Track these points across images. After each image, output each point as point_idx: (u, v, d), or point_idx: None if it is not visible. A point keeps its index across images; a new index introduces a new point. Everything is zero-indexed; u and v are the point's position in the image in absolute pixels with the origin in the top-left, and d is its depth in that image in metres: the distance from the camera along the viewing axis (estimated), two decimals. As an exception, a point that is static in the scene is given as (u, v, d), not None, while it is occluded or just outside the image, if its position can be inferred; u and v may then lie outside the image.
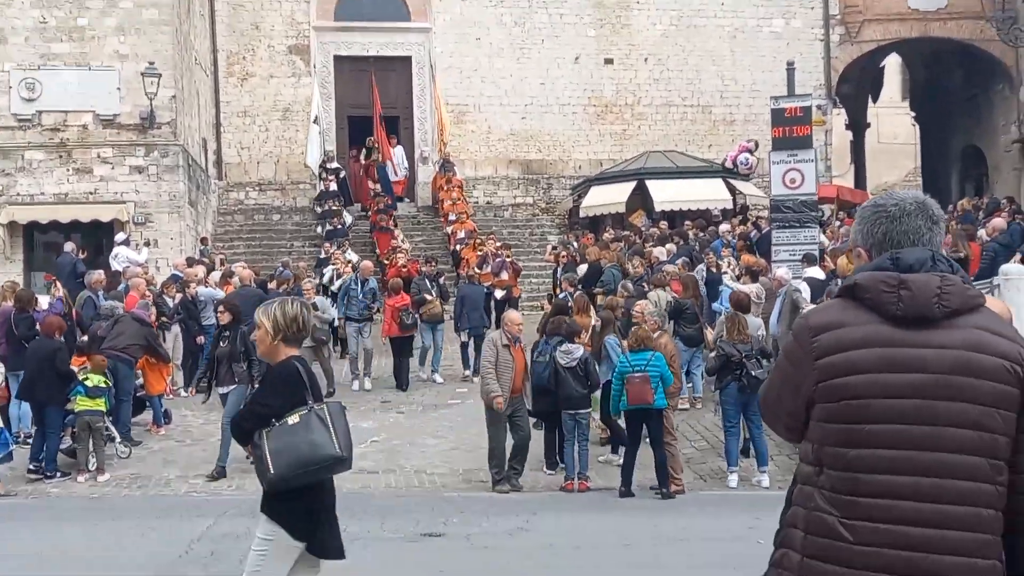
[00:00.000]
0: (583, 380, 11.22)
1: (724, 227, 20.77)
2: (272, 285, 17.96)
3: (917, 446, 2.84)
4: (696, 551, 8.61)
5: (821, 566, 2.86)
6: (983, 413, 2.83)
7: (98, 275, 16.83)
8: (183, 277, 17.29)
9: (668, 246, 18.66)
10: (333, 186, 27.99)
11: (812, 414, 2.97)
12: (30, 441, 12.55)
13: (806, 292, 12.90)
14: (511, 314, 12.19)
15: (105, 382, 12.20)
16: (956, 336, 2.87)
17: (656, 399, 10.64)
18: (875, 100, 40.18)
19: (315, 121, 28.23)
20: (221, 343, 12.38)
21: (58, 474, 11.88)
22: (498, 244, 21.49)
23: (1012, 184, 32.52)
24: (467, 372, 17.43)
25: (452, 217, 26.46)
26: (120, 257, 19.38)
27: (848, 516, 2.85)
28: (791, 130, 15.10)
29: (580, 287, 18.94)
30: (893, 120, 45.21)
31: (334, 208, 26.25)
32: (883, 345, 2.88)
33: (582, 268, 19.43)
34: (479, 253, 21.07)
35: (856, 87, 37.26)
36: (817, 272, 14.34)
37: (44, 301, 14.80)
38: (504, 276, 20.01)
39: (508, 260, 20.43)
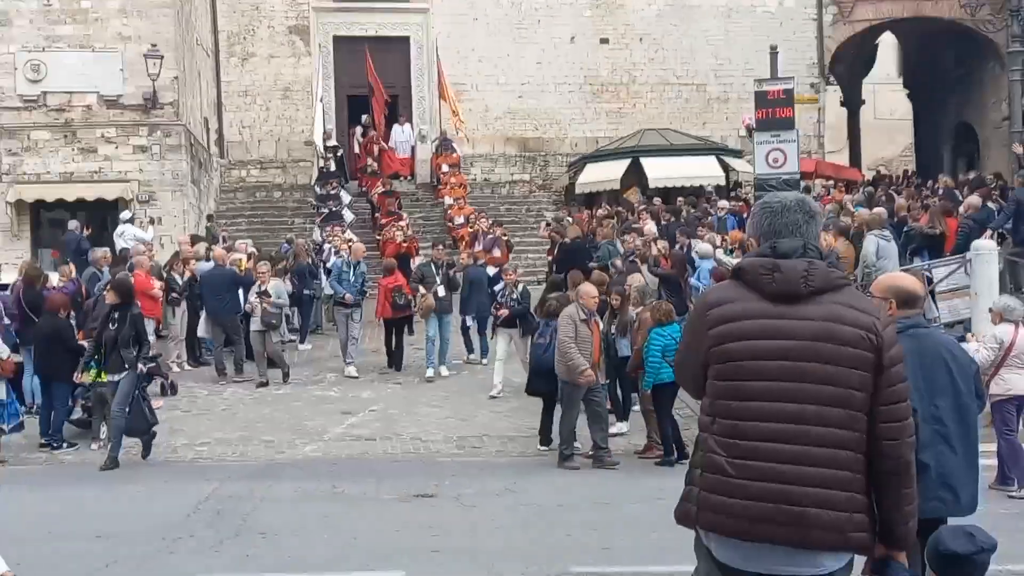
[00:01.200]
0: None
1: (723, 203, 21.25)
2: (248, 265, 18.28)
3: (783, 398, 3.48)
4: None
5: (714, 497, 3.52)
6: (840, 372, 3.46)
7: (102, 252, 17.40)
8: (182, 255, 17.82)
9: (648, 227, 19.16)
10: (332, 165, 28.53)
11: (708, 373, 3.63)
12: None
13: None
14: (587, 287, 11.82)
15: (115, 354, 12.73)
16: (819, 310, 3.54)
17: None
18: (866, 76, 40.51)
19: (320, 100, 28.75)
20: (110, 325, 11.65)
21: (64, 445, 12.44)
22: (490, 222, 21.90)
23: (1002, 160, 32.96)
24: (471, 356, 17.30)
25: (449, 201, 26.81)
26: (127, 235, 19.92)
27: (732, 455, 3.51)
28: (774, 112, 15.64)
29: (556, 265, 19.69)
30: (889, 97, 45.54)
31: (331, 192, 26.56)
32: (760, 317, 3.56)
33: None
34: (470, 230, 21.33)
35: (850, 66, 37.64)
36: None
37: (54, 278, 15.34)
38: (497, 253, 20.25)
39: (502, 237, 20.68)
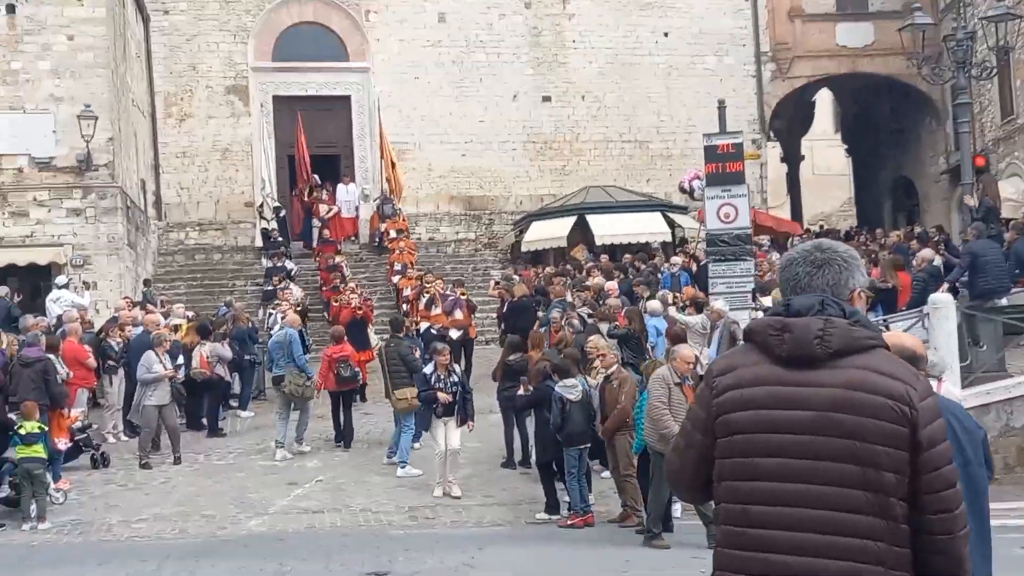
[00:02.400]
0: (588, 413, 11.30)
1: (676, 259, 21.04)
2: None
3: (798, 479, 2.97)
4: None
5: None
6: (866, 449, 2.94)
7: (33, 320, 16.64)
8: (120, 320, 17.15)
9: (610, 283, 18.87)
10: (275, 224, 28.10)
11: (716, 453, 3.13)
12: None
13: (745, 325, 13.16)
14: (684, 351, 10.98)
15: (40, 427, 12.07)
16: (838, 376, 3.00)
17: None
18: (804, 133, 40.98)
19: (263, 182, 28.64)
20: None
21: (-7, 525, 11.71)
22: (448, 284, 21.04)
23: (942, 213, 33.37)
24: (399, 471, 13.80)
25: (398, 267, 26.20)
26: (62, 300, 19.17)
27: (739, 547, 3.02)
28: (724, 166, 15.43)
29: (503, 323, 19.29)
30: (827, 152, 46.23)
31: (278, 264, 25.85)
32: (771, 384, 3.06)
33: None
34: (426, 295, 20.28)
35: (789, 121, 38.05)
36: (770, 301, 14.68)
37: (-20, 347, 14.62)
38: (458, 315, 19.36)
39: (462, 297, 19.96)
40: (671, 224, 29.19)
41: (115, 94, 23.79)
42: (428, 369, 12.45)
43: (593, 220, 28.58)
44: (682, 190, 30.13)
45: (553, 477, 11.65)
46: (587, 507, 11.28)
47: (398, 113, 31.12)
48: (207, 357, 16.71)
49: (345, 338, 15.99)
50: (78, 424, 14.60)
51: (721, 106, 16.98)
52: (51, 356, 14.02)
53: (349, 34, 31.47)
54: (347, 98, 31.65)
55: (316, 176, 29.50)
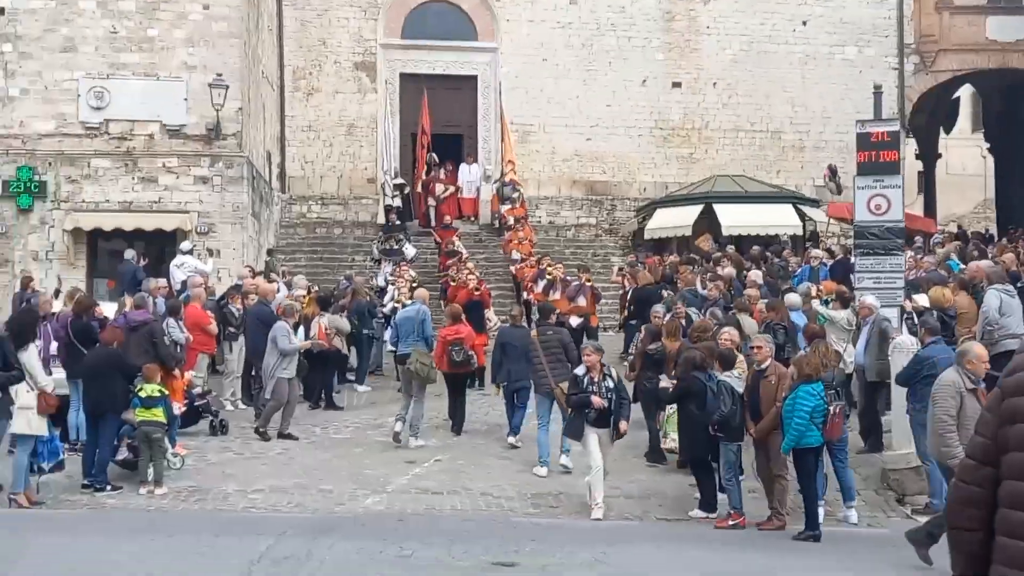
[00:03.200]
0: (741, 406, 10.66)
1: (816, 252, 20.14)
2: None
3: None
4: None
5: None
6: None
7: (156, 282, 16.63)
8: (243, 287, 17.00)
9: (754, 273, 18.09)
10: (398, 202, 27.81)
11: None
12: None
13: (896, 322, 12.27)
14: (976, 348, 9.43)
15: (160, 391, 11.87)
16: None
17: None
18: (948, 132, 39.19)
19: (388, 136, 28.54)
20: None
21: (108, 487, 11.49)
22: (565, 270, 20.14)
23: (1092, 220, 31.53)
24: (510, 439, 13.65)
25: (515, 256, 25.48)
26: (186, 266, 19.16)
27: None
28: (877, 155, 14.44)
29: (628, 312, 18.51)
30: (962, 152, 44.16)
31: (394, 247, 25.32)
32: None
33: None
34: (547, 279, 19.50)
35: (929, 117, 36.33)
36: (925, 300, 13.75)
37: (108, 309, 14.56)
38: (581, 302, 18.42)
39: (587, 284, 18.84)
40: (802, 217, 28.09)
41: (246, 65, 23.79)
42: (580, 370, 11.20)
43: (720, 210, 27.63)
44: (828, 176, 28.81)
45: (713, 473, 10.91)
46: (737, 508, 10.60)
47: (524, 94, 30.63)
48: (325, 329, 16.36)
49: (463, 318, 15.14)
50: (198, 389, 14.46)
51: (877, 91, 15.97)
52: (165, 319, 13.93)
53: (478, 13, 31.06)
54: (473, 78, 31.28)
55: (434, 154, 29.18)
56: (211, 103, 22.42)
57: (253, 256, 23.80)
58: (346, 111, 30.49)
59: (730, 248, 24.68)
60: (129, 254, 20.29)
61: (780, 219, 27.74)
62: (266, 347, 14.14)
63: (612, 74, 31.34)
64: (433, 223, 28.57)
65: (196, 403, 14.05)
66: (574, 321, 17.61)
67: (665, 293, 18.56)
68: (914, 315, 13.43)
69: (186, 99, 22.81)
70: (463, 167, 30.00)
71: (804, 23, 32.07)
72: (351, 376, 18.67)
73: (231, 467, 12.54)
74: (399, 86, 30.82)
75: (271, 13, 28.69)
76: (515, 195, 28.45)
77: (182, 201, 22.77)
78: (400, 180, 28.38)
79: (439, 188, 28.70)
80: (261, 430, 13.91)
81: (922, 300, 14.05)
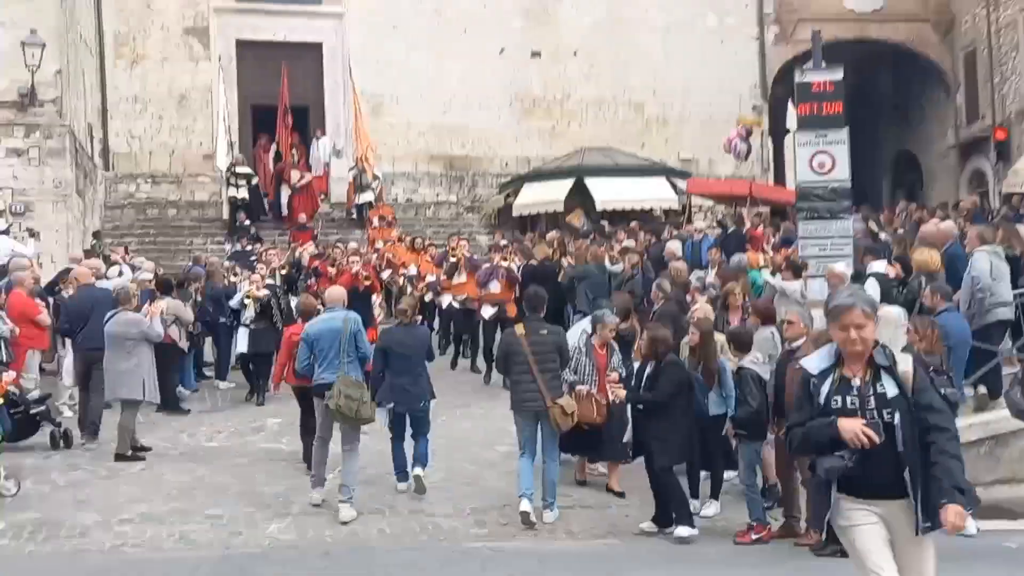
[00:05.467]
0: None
1: (697, 224, 18.64)
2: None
3: None
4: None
5: None
6: None
7: (-25, 267, 13.68)
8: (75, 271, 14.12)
9: (672, 244, 16.38)
10: (244, 193, 24.71)
11: None
12: None
13: (873, 290, 10.66)
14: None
15: (-5, 397, 9.17)
16: None
17: None
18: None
19: (224, 120, 25.21)
20: None
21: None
22: (470, 249, 17.16)
23: (948, 189, 31.40)
24: (400, 484, 10.08)
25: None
26: (1, 248, 16.06)
27: None
28: (819, 107, 13.00)
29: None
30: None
31: (246, 249, 21.45)
32: None
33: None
34: (451, 259, 16.20)
35: (785, 90, 35.72)
36: (881, 267, 12.22)
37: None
38: (495, 288, 15.06)
39: (502, 265, 15.27)
40: (676, 190, 26.74)
41: (63, 23, 20.60)
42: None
43: (592, 184, 26.01)
44: (726, 150, 27.46)
45: (678, 477, 8.97)
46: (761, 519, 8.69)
47: (375, 64, 28.19)
48: (163, 314, 13.29)
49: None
50: (35, 394, 11.66)
51: (815, 36, 14.50)
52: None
53: (322, -26, 28.47)
54: (318, 46, 28.66)
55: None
56: (24, 64, 19.24)
57: (78, 240, 20.69)
58: (177, 81, 27.40)
59: (604, 224, 23.11)
60: (-71, 236, 17.02)
61: (655, 193, 26.36)
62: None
63: (467, 42, 29.27)
64: (284, 213, 25.62)
65: (33, 410, 11.26)
66: (487, 312, 14.94)
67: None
68: (874, 280, 11.89)
69: (-7, 59, 19.52)
70: (313, 143, 27.36)
71: (665, -10, 30.78)
72: (209, 372, 16.06)
73: (84, 490, 9.88)
74: (235, 54, 27.91)
75: (87, -30, 25.37)
76: (374, 183, 25.87)
77: (-8, 177, 19.51)
78: (246, 168, 25.33)
79: (294, 175, 25.64)
80: (129, 453, 11.16)
81: (876, 266, 12.56)
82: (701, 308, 10.07)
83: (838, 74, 13.26)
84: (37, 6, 19.80)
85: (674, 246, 16.15)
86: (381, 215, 24.08)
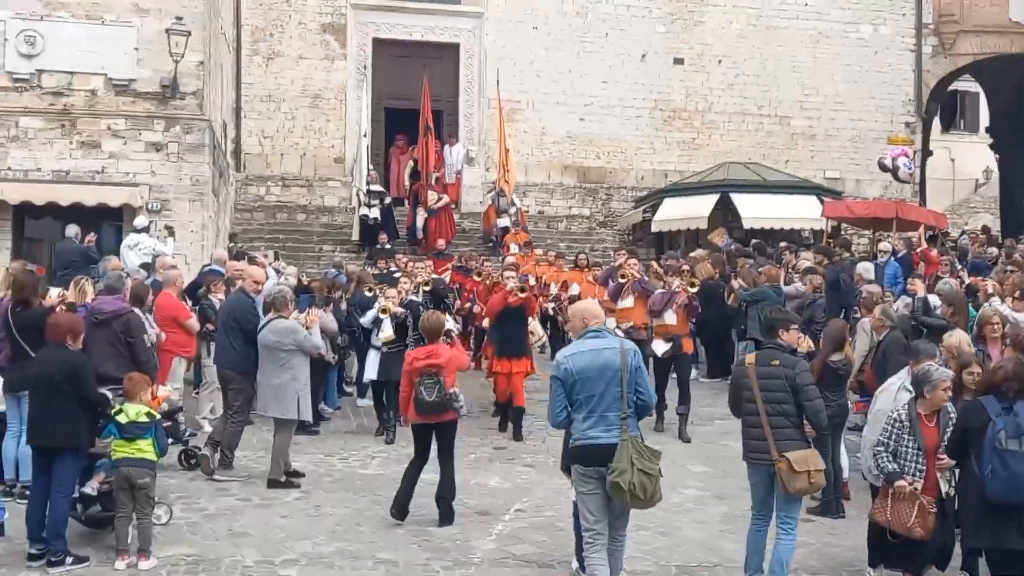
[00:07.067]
0: None
1: (883, 246, 17.11)
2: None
3: None
4: None
5: None
6: None
7: (116, 261, 12.94)
8: (224, 273, 13.29)
9: (863, 265, 15.04)
10: (376, 212, 23.44)
11: None
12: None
13: None
14: None
15: (148, 414, 8.26)
16: None
17: None
18: (950, 126, 36.68)
19: (364, 135, 24.34)
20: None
21: (67, 558, 7.70)
22: (640, 267, 14.45)
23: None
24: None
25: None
26: (142, 247, 15.40)
27: None
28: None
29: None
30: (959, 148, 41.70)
31: (390, 270, 18.11)
32: None
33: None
34: (619, 279, 13.84)
35: (937, 107, 33.75)
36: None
37: (55, 293, 10.76)
38: (670, 319, 12.76)
39: (681, 291, 12.81)
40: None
41: (209, 11, 19.98)
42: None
43: (739, 200, 24.55)
44: (881, 166, 25.99)
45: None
46: None
47: (512, 67, 27.28)
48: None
49: (447, 334, 9.66)
50: (165, 406, 10.77)
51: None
52: (137, 310, 10.21)
53: (462, -26, 27.59)
54: (455, 46, 27.77)
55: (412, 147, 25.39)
56: (168, 53, 18.61)
57: (213, 241, 20.03)
58: (311, 79, 26.76)
59: (754, 242, 21.64)
60: (72, 230, 16.42)
61: (804, 211, 24.75)
62: (248, 353, 10.52)
63: (609, 46, 28.19)
64: (420, 237, 23.91)
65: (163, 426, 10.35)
66: (659, 347, 12.71)
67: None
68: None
69: (136, 48, 18.90)
70: (446, 150, 26.39)
71: (816, -4, 29.23)
72: (350, 389, 15.11)
73: (238, 520, 8.92)
74: (371, 53, 27.17)
75: (228, -37, 24.86)
76: (512, 209, 24.59)
77: (130, 172, 18.87)
78: (378, 186, 24.17)
79: (431, 197, 24.07)
80: (284, 480, 10.18)
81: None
82: (956, 336, 8.62)
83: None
84: (182, -6, 19.20)
85: (863, 268, 14.71)
86: (517, 241, 22.61)
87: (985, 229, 26.24)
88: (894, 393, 7.68)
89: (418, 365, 9.07)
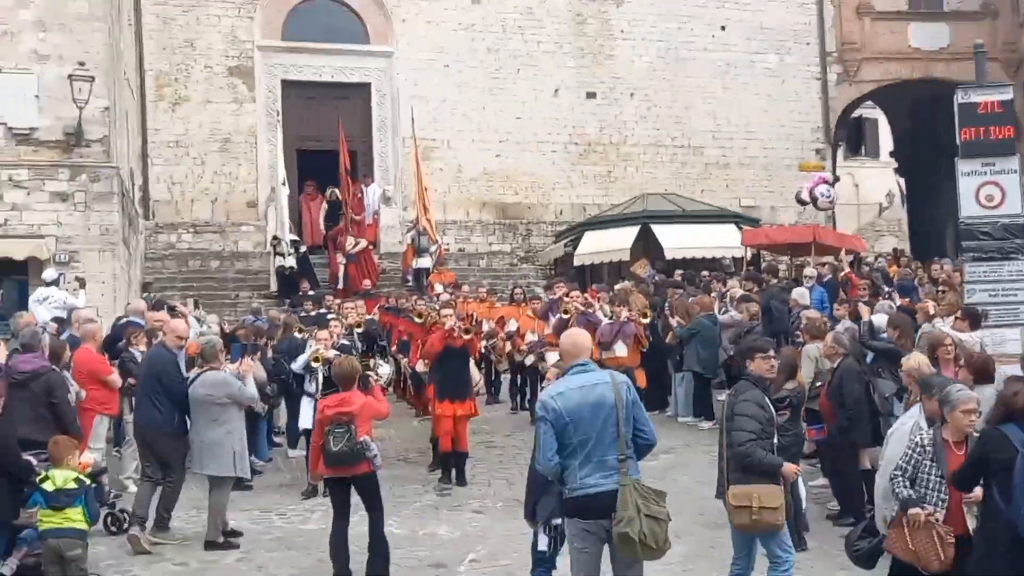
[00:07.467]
0: None
1: (808, 271, 17.10)
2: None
3: None
4: None
5: None
6: None
7: (27, 316, 12.22)
8: (144, 325, 12.64)
9: (799, 290, 14.95)
10: (292, 261, 22.83)
11: None
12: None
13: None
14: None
15: (77, 479, 7.67)
16: None
17: None
18: (855, 152, 37.40)
19: (284, 183, 23.79)
20: None
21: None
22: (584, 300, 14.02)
23: None
24: None
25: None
26: (52, 300, 14.65)
27: None
28: (986, 131, 11.54)
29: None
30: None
31: (319, 312, 17.68)
32: None
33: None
34: (562, 315, 13.29)
35: (844, 133, 34.40)
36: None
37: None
38: (620, 351, 12.55)
39: (631, 320, 12.72)
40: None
41: (112, 56, 19.32)
42: None
43: (660, 231, 24.58)
44: (800, 201, 26.18)
45: None
46: None
47: (425, 105, 26.99)
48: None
49: (360, 381, 8.87)
50: (90, 469, 10.10)
51: (978, 49, 13.09)
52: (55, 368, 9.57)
53: (370, 12, 27.33)
54: (366, 86, 27.41)
55: (336, 191, 24.91)
56: (72, 99, 17.92)
57: (125, 292, 19.26)
58: (220, 124, 26.12)
59: (678, 273, 21.57)
60: (-25, 288, 15.62)
61: (723, 240, 24.87)
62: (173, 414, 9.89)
63: (521, 82, 28.12)
64: (340, 286, 23.24)
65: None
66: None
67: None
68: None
69: (37, 96, 18.22)
70: (362, 190, 25.91)
71: (723, 28, 29.67)
72: (279, 439, 14.51)
73: (178, 589, 8.33)
74: (280, 95, 26.64)
75: (129, 7, 24.16)
76: (432, 247, 24.22)
77: (35, 223, 18.12)
78: (293, 235, 23.54)
79: (349, 242, 23.74)
80: (222, 540, 9.56)
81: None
82: (915, 359, 8.44)
83: (1007, 94, 11.77)
84: (85, 36, 18.49)
85: (799, 293, 14.64)
86: (442, 281, 22.19)
87: (896, 252, 26.68)
88: (906, 434, 7.09)
89: (329, 413, 8.42)
